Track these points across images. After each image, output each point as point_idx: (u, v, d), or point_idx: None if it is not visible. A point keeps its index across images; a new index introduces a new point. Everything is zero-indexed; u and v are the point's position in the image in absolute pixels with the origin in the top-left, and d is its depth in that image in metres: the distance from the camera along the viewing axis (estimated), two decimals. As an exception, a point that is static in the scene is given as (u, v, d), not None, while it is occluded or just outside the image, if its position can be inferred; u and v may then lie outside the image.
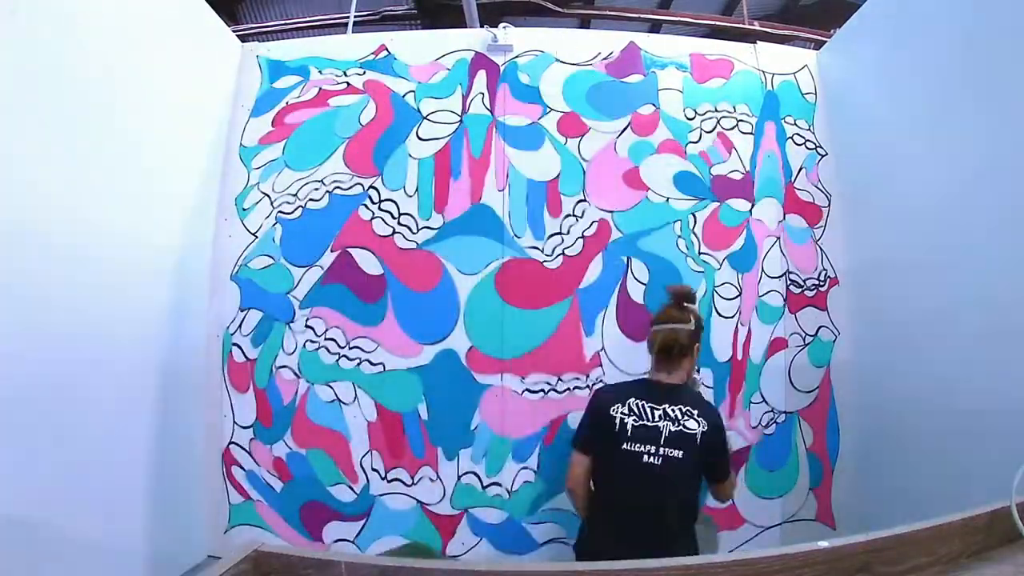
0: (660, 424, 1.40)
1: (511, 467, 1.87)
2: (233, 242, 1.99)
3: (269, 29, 3.95)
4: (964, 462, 1.44)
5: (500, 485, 1.87)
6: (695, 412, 1.42)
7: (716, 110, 2.12)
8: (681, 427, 1.40)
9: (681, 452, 1.38)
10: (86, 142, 1.43)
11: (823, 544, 0.64)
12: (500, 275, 1.95)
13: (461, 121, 2.08)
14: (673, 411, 1.42)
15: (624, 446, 1.39)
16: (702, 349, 1.65)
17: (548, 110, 2.08)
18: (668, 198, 2.03)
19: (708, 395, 1.88)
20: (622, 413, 1.41)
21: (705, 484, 1.50)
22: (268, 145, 2.07)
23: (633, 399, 1.44)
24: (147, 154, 1.67)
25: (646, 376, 1.54)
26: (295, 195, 2.02)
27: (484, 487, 1.86)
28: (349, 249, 1.98)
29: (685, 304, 1.56)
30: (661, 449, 1.38)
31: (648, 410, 1.41)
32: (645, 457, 1.37)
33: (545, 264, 1.97)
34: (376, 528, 1.85)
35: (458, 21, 3.05)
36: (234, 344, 1.93)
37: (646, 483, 1.38)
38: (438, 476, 1.87)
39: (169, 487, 1.70)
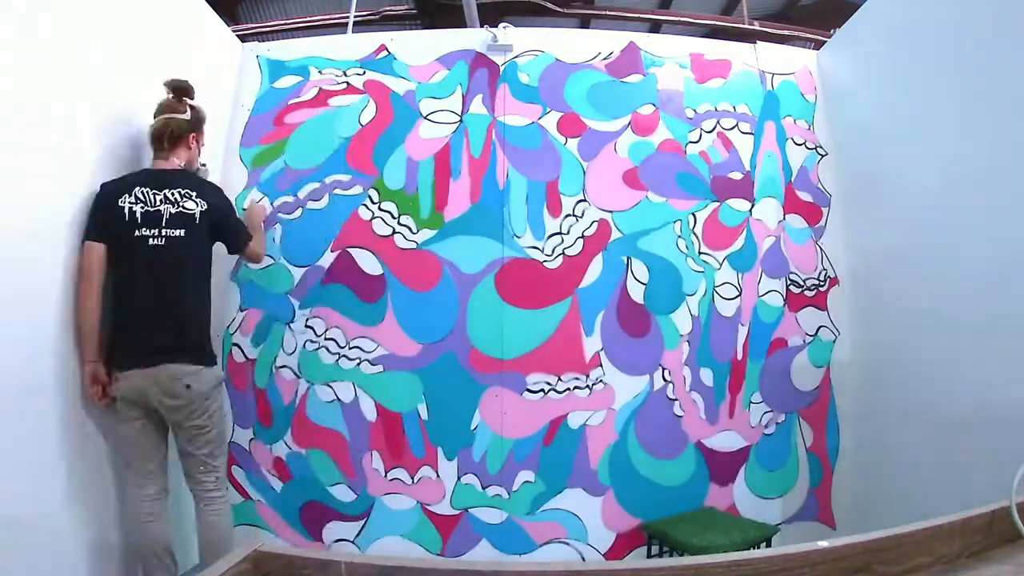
0: (161, 208, 1.48)
1: (511, 467, 1.87)
2: (233, 242, 1.99)
3: (269, 29, 3.95)
4: (964, 462, 1.44)
5: (500, 485, 1.87)
6: (193, 194, 1.54)
7: (716, 110, 2.12)
8: (181, 208, 1.51)
9: (183, 231, 1.50)
10: (85, 143, 1.44)
11: (823, 544, 0.64)
12: (500, 275, 1.95)
13: (461, 121, 2.08)
14: (173, 194, 1.51)
15: (135, 233, 1.46)
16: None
17: (548, 110, 2.08)
18: (668, 198, 2.03)
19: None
20: (129, 202, 1.46)
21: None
22: (268, 145, 2.07)
23: (138, 187, 1.48)
24: (146, 154, 1.67)
25: (147, 167, 1.59)
26: (295, 195, 2.02)
27: (484, 487, 1.86)
28: (349, 249, 1.98)
29: (183, 98, 1.60)
30: (163, 231, 1.48)
31: (152, 196, 1.48)
32: (151, 240, 1.47)
33: (545, 264, 1.97)
34: (376, 528, 1.85)
35: (458, 21, 3.05)
36: (234, 344, 1.93)
37: (155, 264, 1.47)
38: (438, 476, 1.87)
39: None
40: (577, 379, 1.91)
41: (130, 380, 1.43)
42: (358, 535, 1.85)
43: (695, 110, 2.11)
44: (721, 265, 2.00)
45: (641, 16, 4.02)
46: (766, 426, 1.94)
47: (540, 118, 2.08)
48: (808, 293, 2.02)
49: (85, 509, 1.40)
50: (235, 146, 2.07)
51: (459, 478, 1.87)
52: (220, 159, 2.04)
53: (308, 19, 4.04)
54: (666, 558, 1.65)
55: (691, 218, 2.02)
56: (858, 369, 1.96)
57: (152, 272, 1.46)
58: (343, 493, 1.87)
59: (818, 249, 2.06)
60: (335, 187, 2.02)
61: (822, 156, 2.14)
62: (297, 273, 1.96)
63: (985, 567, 0.68)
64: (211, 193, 1.60)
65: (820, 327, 2.01)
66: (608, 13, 4.04)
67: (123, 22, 1.57)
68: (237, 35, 2.24)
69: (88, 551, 1.39)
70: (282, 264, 1.97)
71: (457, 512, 1.86)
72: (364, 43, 2.18)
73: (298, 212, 2.01)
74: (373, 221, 2.00)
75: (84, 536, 1.39)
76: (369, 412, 1.89)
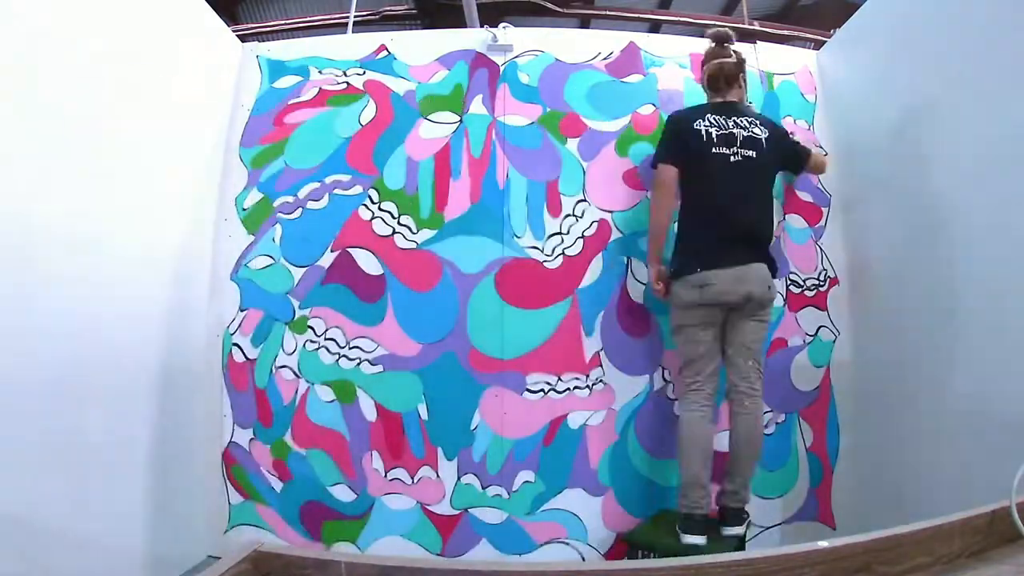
0: (735, 131, 1.71)
1: (511, 467, 1.87)
2: (233, 242, 1.99)
3: (269, 29, 3.95)
4: (964, 462, 1.44)
5: (500, 485, 1.87)
6: (758, 122, 1.76)
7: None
8: (751, 132, 1.72)
9: (754, 152, 1.70)
10: (86, 142, 1.44)
11: (823, 544, 0.64)
12: (500, 275, 1.95)
13: (461, 121, 2.08)
14: (742, 121, 1.73)
15: (713, 150, 1.69)
16: None
17: (548, 110, 2.08)
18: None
19: None
20: (705, 125, 1.71)
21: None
22: (268, 145, 2.07)
23: (710, 114, 1.73)
24: (147, 154, 1.67)
25: (707, 102, 1.83)
26: (295, 195, 2.02)
27: (484, 487, 1.86)
28: (349, 249, 1.98)
29: (726, 44, 1.81)
30: (739, 150, 1.69)
31: (724, 121, 1.72)
32: (731, 158, 1.69)
33: (545, 264, 1.97)
34: (376, 528, 1.85)
35: (458, 21, 3.06)
36: (234, 344, 1.93)
37: (734, 177, 1.68)
38: (438, 476, 1.87)
39: (169, 487, 1.70)
40: (577, 379, 1.91)
41: (719, 280, 1.61)
42: (358, 535, 1.85)
43: (695, 110, 2.11)
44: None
45: (641, 16, 4.02)
46: (766, 426, 1.93)
47: (540, 118, 2.08)
48: (808, 293, 2.02)
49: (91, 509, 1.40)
50: (235, 146, 2.07)
51: (459, 478, 1.87)
52: (220, 159, 2.04)
53: (308, 19, 4.04)
54: (667, 558, 1.65)
55: (691, 218, 2.02)
56: (858, 369, 1.96)
57: (733, 184, 1.67)
58: (343, 493, 1.87)
59: (818, 249, 2.06)
60: (335, 187, 2.02)
61: (822, 156, 2.13)
62: (297, 273, 1.96)
63: (985, 567, 0.68)
64: (768, 123, 1.78)
65: (820, 327, 2.01)
66: (608, 13, 4.04)
67: (122, 22, 1.57)
68: (237, 35, 2.24)
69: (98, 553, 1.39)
70: (282, 264, 1.97)
71: (457, 512, 1.86)
72: (364, 43, 2.18)
73: (298, 212, 2.01)
74: (373, 221, 2.00)
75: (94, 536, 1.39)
76: (369, 412, 1.89)
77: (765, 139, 1.72)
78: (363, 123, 2.07)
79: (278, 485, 1.88)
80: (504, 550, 1.85)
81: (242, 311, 1.95)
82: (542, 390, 1.90)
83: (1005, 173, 1.38)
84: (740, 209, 1.68)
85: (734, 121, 1.72)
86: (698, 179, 1.72)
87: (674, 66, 2.16)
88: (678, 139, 1.75)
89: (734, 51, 1.81)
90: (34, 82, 1.28)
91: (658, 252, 1.79)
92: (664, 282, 1.75)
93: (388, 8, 4.01)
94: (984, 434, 1.39)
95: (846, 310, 2.01)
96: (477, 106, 2.09)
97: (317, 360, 1.91)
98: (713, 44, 1.83)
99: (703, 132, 1.70)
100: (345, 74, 2.13)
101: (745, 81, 1.85)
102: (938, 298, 1.60)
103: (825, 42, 2.32)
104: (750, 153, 1.70)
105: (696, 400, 1.65)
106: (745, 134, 1.71)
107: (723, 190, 1.68)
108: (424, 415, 1.89)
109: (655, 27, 4.10)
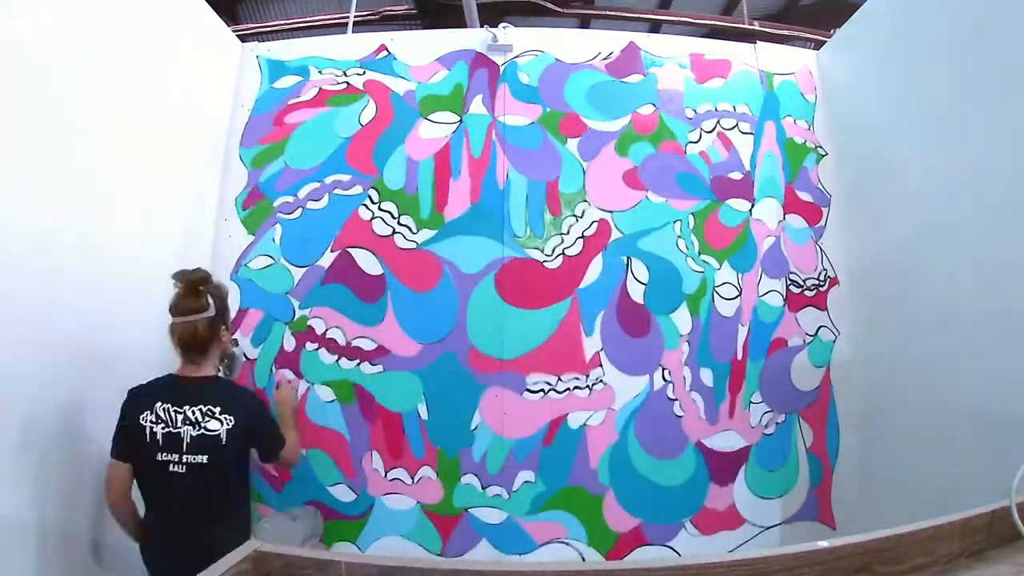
0: (182, 429, 1.33)
1: (511, 467, 1.87)
2: (233, 242, 1.99)
3: (269, 29, 3.95)
4: (964, 462, 1.44)
5: (500, 485, 1.86)
6: (217, 410, 1.36)
7: (716, 110, 2.12)
8: (203, 430, 1.34)
9: (206, 456, 1.33)
10: (85, 143, 1.44)
11: (823, 544, 0.64)
12: (500, 275, 1.95)
13: (461, 121, 2.08)
14: (194, 413, 1.35)
15: (158, 456, 1.32)
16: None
17: (548, 110, 2.08)
18: (668, 198, 2.03)
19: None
20: (151, 421, 1.33)
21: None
22: (268, 145, 2.07)
23: (159, 403, 1.35)
24: (147, 154, 1.67)
25: (175, 372, 1.43)
26: (295, 195, 2.02)
27: (484, 487, 1.86)
28: (349, 249, 1.98)
29: (200, 288, 1.42)
30: (185, 456, 1.32)
31: (173, 415, 1.34)
32: (171, 467, 1.32)
33: (545, 264, 1.97)
34: (376, 528, 1.85)
35: (458, 21, 3.05)
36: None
37: (176, 493, 1.33)
38: (438, 476, 1.87)
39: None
40: (577, 379, 1.91)
41: None
42: (358, 535, 1.85)
43: (695, 110, 2.11)
44: (721, 265, 2.00)
45: (641, 16, 4.02)
46: (766, 426, 1.94)
47: (540, 118, 2.08)
48: (808, 293, 2.02)
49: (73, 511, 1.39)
50: (235, 146, 2.07)
51: (459, 478, 1.87)
52: (220, 159, 2.04)
53: (308, 19, 4.04)
54: (665, 558, 1.65)
55: (691, 218, 2.02)
56: (858, 369, 1.95)
57: (175, 502, 1.34)
58: (343, 493, 1.87)
59: (818, 249, 2.06)
60: (335, 187, 2.02)
61: (822, 156, 2.14)
62: (297, 273, 1.96)
63: (985, 567, 0.68)
64: (237, 405, 1.40)
65: (820, 327, 2.01)
66: (608, 13, 4.04)
67: (122, 22, 1.57)
68: (237, 35, 2.24)
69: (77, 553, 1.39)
70: (282, 264, 1.97)
71: (457, 512, 1.86)
72: (364, 43, 2.18)
73: (298, 212, 2.01)
74: (373, 221, 2.00)
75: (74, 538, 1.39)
76: (369, 412, 1.89)
77: (226, 433, 1.34)
78: (363, 123, 2.07)
79: (278, 485, 1.87)
80: (504, 550, 1.85)
81: (242, 311, 1.95)
82: (542, 390, 1.90)
83: (1005, 173, 1.38)
84: (185, 535, 1.31)
85: (185, 414, 1.34)
86: (146, 487, 1.37)
87: (674, 66, 2.16)
88: (126, 431, 1.34)
89: (209, 296, 1.41)
90: (33, 82, 1.28)
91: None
92: None
93: (388, 8, 4.01)
94: (984, 434, 1.39)
95: (846, 310, 2.01)
96: (477, 106, 2.09)
97: (317, 360, 1.91)
98: (182, 291, 1.40)
99: (146, 431, 1.32)
100: (345, 74, 2.13)
101: (228, 331, 1.47)
102: (938, 298, 1.60)
103: (825, 42, 2.32)
104: (200, 459, 1.33)
105: None
106: (194, 433, 1.33)
107: (168, 508, 1.35)
108: (424, 415, 1.89)
109: (655, 27, 4.09)
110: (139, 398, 1.35)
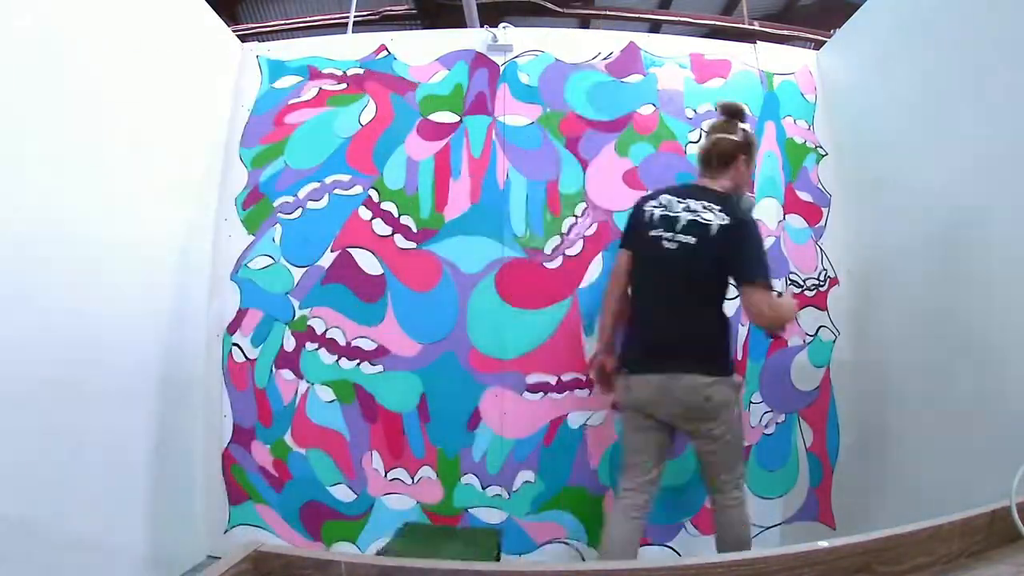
0: (680, 214, 1.48)
1: (511, 467, 1.87)
2: (233, 242, 1.99)
3: (269, 29, 3.95)
4: (964, 462, 1.44)
5: (500, 485, 1.86)
6: (717, 207, 1.46)
7: (716, 110, 2.12)
8: (697, 216, 1.46)
9: (695, 239, 1.44)
10: (86, 143, 1.44)
11: (823, 544, 0.64)
12: (500, 275, 1.95)
13: (461, 121, 2.08)
14: (696, 204, 1.48)
15: (650, 233, 1.50)
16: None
17: (548, 110, 2.08)
18: (668, 198, 2.03)
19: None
20: (652, 205, 1.52)
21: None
22: (268, 145, 2.07)
23: (665, 195, 1.54)
24: (147, 154, 1.67)
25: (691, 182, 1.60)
26: (295, 195, 2.02)
27: (484, 487, 1.86)
28: (349, 249, 1.98)
29: (733, 120, 1.58)
30: (677, 236, 1.46)
31: (674, 203, 1.50)
32: (664, 242, 1.47)
33: (545, 264, 1.97)
34: (376, 528, 1.85)
35: (458, 21, 3.05)
36: (234, 344, 1.93)
37: (663, 264, 1.48)
38: (438, 476, 1.87)
39: (169, 487, 1.71)
40: (577, 379, 1.91)
41: (639, 388, 1.47)
42: (358, 535, 1.85)
43: (695, 110, 2.11)
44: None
45: (641, 16, 4.02)
46: (766, 426, 1.94)
47: (540, 118, 2.08)
48: (808, 293, 2.02)
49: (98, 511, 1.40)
50: (235, 146, 2.07)
51: (459, 478, 1.87)
52: (220, 159, 2.04)
53: (308, 19, 4.04)
54: (665, 558, 1.65)
55: (691, 218, 2.02)
56: (858, 369, 1.95)
57: (663, 276, 1.47)
58: (343, 493, 1.87)
59: (818, 249, 2.06)
60: (335, 187, 2.02)
61: (822, 156, 2.13)
62: (297, 273, 1.96)
63: (985, 567, 0.68)
64: (735, 212, 1.46)
65: (820, 327, 2.01)
66: (608, 13, 4.04)
67: (122, 22, 1.57)
68: (237, 35, 2.24)
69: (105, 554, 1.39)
70: (282, 264, 1.97)
71: (457, 512, 1.86)
72: (364, 43, 2.18)
73: (298, 212, 2.01)
74: (373, 221, 2.00)
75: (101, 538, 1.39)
76: (369, 412, 1.89)
77: (718, 227, 1.43)
78: (363, 123, 2.07)
79: (278, 485, 1.87)
80: (504, 550, 1.84)
81: (242, 311, 1.95)
82: (542, 390, 1.90)
83: (1005, 172, 1.38)
84: (667, 310, 1.47)
85: (687, 204, 1.48)
86: (639, 266, 1.55)
87: (674, 66, 2.16)
88: (630, 221, 1.59)
89: (742, 129, 1.57)
90: (33, 82, 1.28)
91: (604, 344, 1.65)
92: (603, 377, 1.62)
93: (388, 8, 4.01)
94: (984, 434, 1.39)
95: (846, 310, 2.01)
96: (477, 106, 2.09)
97: (317, 360, 1.91)
98: (720, 117, 1.60)
99: (647, 213, 1.52)
100: (345, 74, 2.13)
101: (747, 164, 1.57)
102: (938, 298, 1.60)
103: (825, 42, 2.32)
104: (689, 239, 1.44)
105: (619, 510, 1.49)
106: (690, 217, 1.46)
107: (656, 281, 1.50)
108: (424, 415, 1.89)
109: (655, 27, 4.09)
110: (648, 197, 1.56)
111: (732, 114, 1.59)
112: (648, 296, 1.52)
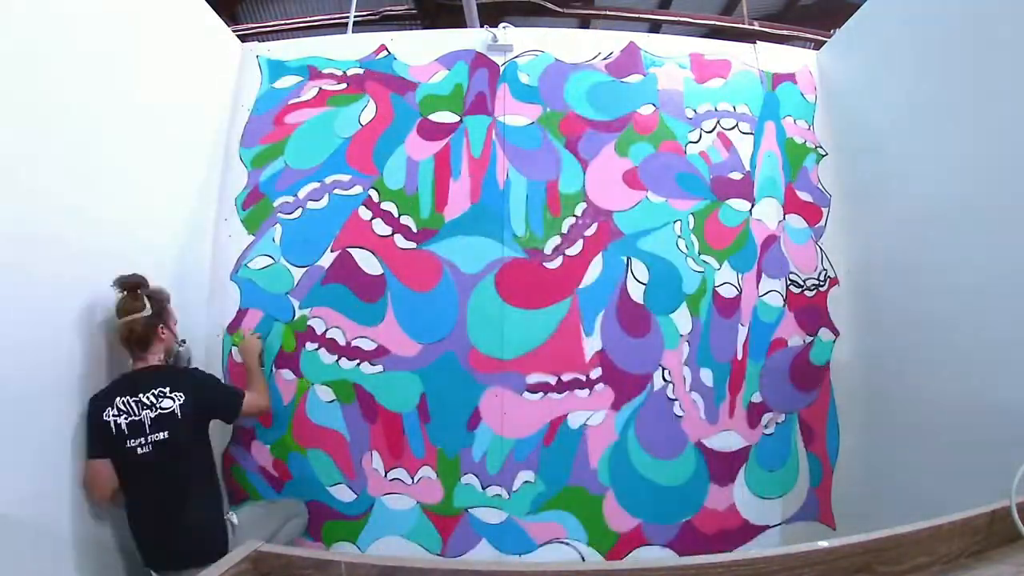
0: (143, 415, 1.43)
1: (511, 467, 1.87)
2: (233, 242, 1.99)
3: (269, 29, 3.95)
4: (964, 462, 1.44)
5: (500, 485, 1.86)
6: (167, 390, 1.48)
7: (716, 110, 2.12)
8: (159, 410, 1.45)
9: (166, 433, 1.44)
10: (85, 143, 1.44)
11: (823, 544, 0.64)
12: (500, 275, 1.95)
13: (461, 121, 2.08)
14: (149, 397, 1.46)
15: (127, 444, 1.41)
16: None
17: (548, 110, 2.08)
18: (668, 198, 2.03)
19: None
20: (113, 416, 1.42)
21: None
22: (268, 145, 2.07)
23: (118, 398, 1.43)
24: (147, 154, 1.67)
25: (128, 370, 1.52)
26: (295, 195, 2.02)
27: (484, 487, 1.86)
28: (349, 249, 1.98)
29: (138, 291, 1.51)
30: (149, 437, 1.43)
31: (132, 405, 1.44)
32: (140, 450, 1.42)
33: (545, 264, 1.97)
34: (376, 528, 1.85)
35: (458, 21, 3.05)
36: (234, 344, 1.93)
37: (147, 473, 1.43)
38: (438, 476, 1.87)
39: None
40: (577, 379, 1.91)
41: None
42: (358, 535, 1.85)
43: (695, 110, 2.11)
44: (721, 265, 2.00)
45: (641, 16, 4.01)
46: (766, 426, 1.94)
47: (540, 118, 2.08)
48: (808, 293, 2.02)
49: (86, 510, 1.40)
50: (235, 146, 2.07)
51: (459, 478, 1.87)
52: (220, 159, 2.04)
53: (308, 19, 4.04)
54: (665, 558, 1.65)
55: (691, 218, 2.02)
56: (858, 369, 1.95)
57: (151, 482, 1.43)
58: (343, 493, 1.87)
59: (818, 249, 2.06)
60: (335, 187, 2.02)
61: (822, 156, 2.14)
62: (297, 273, 1.96)
63: (985, 567, 0.68)
64: (184, 381, 1.52)
65: (820, 327, 2.00)
66: (608, 13, 4.04)
67: (122, 22, 1.57)
68: (237, 35, 2.24)
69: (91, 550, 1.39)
70: (282, 264, 1.97)
71: (457, 512, 1.86)
72: (364, 43, 2.18)
73: (298, 212, 2.01)
74: (373, 221, 2.00)
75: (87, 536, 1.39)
76: (369, 412, 1.89)
77: (179, 408, 1.46)
78: (363, 123, 2.07)
79: (278, 485, 1.87)
80: (504, 550, 1.85)
81: (242, 311, 1.95)
82: (542, 390, 1.90)
83: (1004, 172, 1.38)
84: (164, 511, 1.43)
85: (139, 400, 1.43)
86: (122, 478, 1.43)
87: (674, 66, 2.16)
88: (93, 433, 1.42)
89: (148, 295, 1.51)
90: (33, 82, 1.28)
91: None
92: None
93: (388, 8, 4.01)
94: (984, 434, 1.39)
95: (846, 310, 2.01)
96: (477, 106, 2.09)
97: (317, 360, 1.91)
98: (121, 293, 1.50)
99: (112, 423, 1.40)
100: (345, 74, 2.13)
101: (169, 327, 1.56)
102: (938, 298, 1.60)
103: (825, 42, 2.32)
104: (162, 436, 1.42)
105: None
106: (153, 414, 1.43)
107: (143, 490, 1.43)
108: (424, 415, 1.89)
109: (655, 27, 4.09)
110: (99, 400, 1.43)
111: (130, 288, 1.50)
112: (147, 505, 1.45)
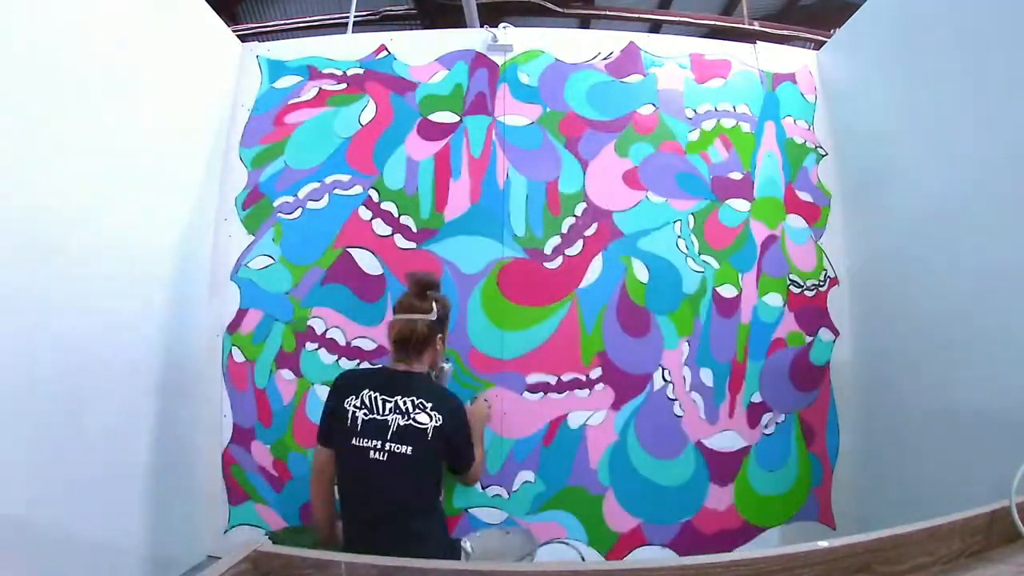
0: (389, 418, 1.35)
1: (511, 467, 1.87)
2: (233, 242, 1.99)
3: (269, 29, 3.95)
4: (964, 462, 1.44)
5: (500, 485, 1.86)
6: (428, 405, 1.38)
7: (716, 110, 2.12)
8: (411, 421, 1.36)
9: (409, 448, 1.34)
10: (85, 143, 1.43)
11: (823, 544, 0.64)
12: (500, 275, 1.95)
13: (461, 121, 2.08)
14: (405, 403, 1.37)
15: (354, 441, 1.34)
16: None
17: (548, 110, 2.08)
18: (668, 198, 2.03)
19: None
20: (354, 406, 1.36)
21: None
22: (268, 145, 2.07)
23: (367, 390, 1.38)
24: (146, 154, 1.67)
25: (386, 364, 1.47)
26: (295, 195, 2.02)
27: (484, 487, 1.86)
28: (349, 249, 1.98)
29: (428, 292, 1.47)
30: (388, 444, 1.34)
31: (380, 403, 1.36)
32: (372, 453, 1.33)
33: (545, 264, 1.97)
34: (376, 528, 1.85)
35: (458, 21, 3.05)
36: (234, 344, 1.93)
37: (371, 479, 1.34)
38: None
39: (169, 487, 1.70)
40: (577, 379, 1.91)
41: None
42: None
43: (695, 110, 2.11)
44: (721, 265, 2.00)
45: (641, 16, 4.01)
46: (766, 426, 1.94)
47: (540, 118, 2.08)
48: (808, 293, 2.02)
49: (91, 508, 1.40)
50: (235, 146, 2.07)
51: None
52: (220, 159, 2.04)
53: (308, 19, 4.03)
54: (665, 558, 1.65)
55: (691, 218, 2.02)
56: (858, 369, 1.95)
57: (369, 492, 1.34)
58: (343, 493, 1.86)
59: (818, 249, 2.06)
60: (335, 187, 2.02)
61: (822, 156, 2.14)
62: (297, 273, 1.96)
63: (985, 567, 0.68)
64: (446, 405, 1.42)
65: (820, 327, 2.00)
66: (608, 13, 4.03)
67: (121, 22, 1.57)
68: (237, 35, 2.23)
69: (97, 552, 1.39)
70: (282, 264, 1.97)
71: (457, 512, 1.86)
72: (364, 43, 2.18)
73: (298, 212, 2.01)
74: (373, 221, 2.00)
75: (93, 536, 1.39)
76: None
77: (433, 429, 1.37)
78: (363, 123, 2.07)
79: (278, 485, 1.87)
80: (504, 550, 1.84)
81: (242, 311, 1.95)
82: (542, 390, 1.90)
83: (1005, 173, 1.38)
84: (381, 520, 1.35)
85: (395, 403, 1.37)
86: (343, 472, 1.40)
87: (674, 66, 2.16)
88: (328, 417, 1.42)
89: (436, 299, 1.46)
90: (32, 82, 1.28)
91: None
92: None
93: (388, 8, 4.01)
94: (984, 434, 1.39)
95: (846, 310, 2.01)
96: (477, 106, 2.09)
97: (317, 360, 1.91)
98: (412, 289, 1.46)
99: (349, 413, 1.37)
100: (345, 74, 2.13)
101: (444, 340, 1.49)
102: (938, 298, 1.60)
103: (825, 42, 2.32)
104: (403, 449, 1.34)
105: None
106: (403, 422, 1.35)
107: (362, 492, 1.37)
108: (424, 415, 1.89)
109: (655, 27, 4.09)
110: (348, 383, 1.39)
111: (425, 287, 1.46)
112: (356, 507, 1.39)
